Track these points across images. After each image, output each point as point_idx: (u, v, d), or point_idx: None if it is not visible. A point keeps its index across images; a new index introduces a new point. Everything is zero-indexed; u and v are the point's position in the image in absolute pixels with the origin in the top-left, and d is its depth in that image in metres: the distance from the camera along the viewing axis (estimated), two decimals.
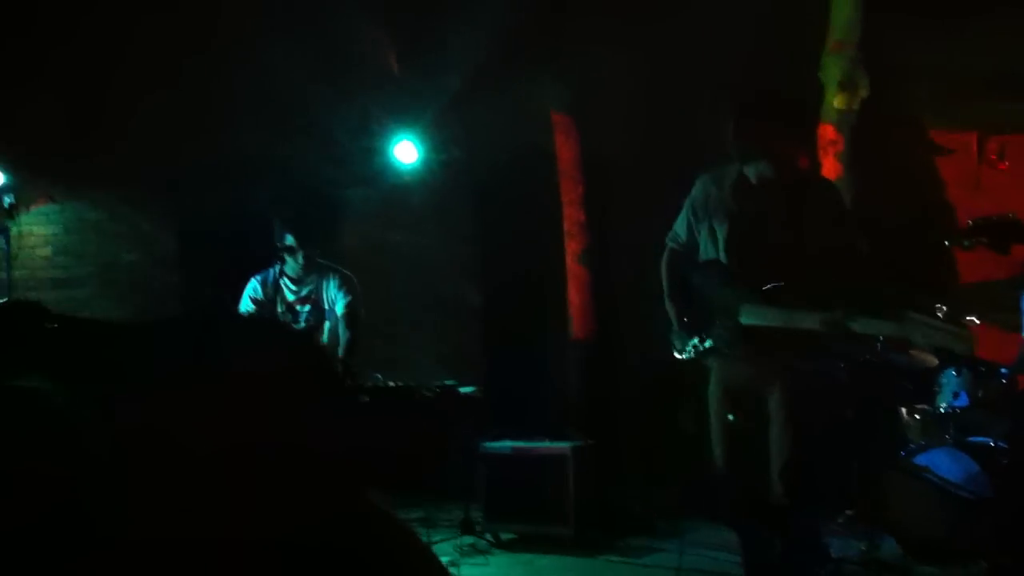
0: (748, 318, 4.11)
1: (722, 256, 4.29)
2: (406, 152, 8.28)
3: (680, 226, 4.57)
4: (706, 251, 4.39)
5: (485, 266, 8.78)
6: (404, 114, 8.36)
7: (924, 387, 5.65)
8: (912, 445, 5.44)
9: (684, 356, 4.42)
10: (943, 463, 5.13)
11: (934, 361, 5.54)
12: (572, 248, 7.78)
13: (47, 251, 8.87)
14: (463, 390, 6.19)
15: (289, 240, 6.09)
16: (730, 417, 4.32)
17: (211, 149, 8.45)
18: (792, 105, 4.39)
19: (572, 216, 7.75)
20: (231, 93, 8.41)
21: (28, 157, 8.35)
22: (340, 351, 6.09)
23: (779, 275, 4.11)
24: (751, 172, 4.30)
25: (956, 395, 5.44)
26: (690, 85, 8.00)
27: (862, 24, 6.88)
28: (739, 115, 4.27)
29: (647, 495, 7.16)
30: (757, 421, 4.25)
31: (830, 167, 6.96)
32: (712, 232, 4.36)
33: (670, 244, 4.62)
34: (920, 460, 5.24)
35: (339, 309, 6.18)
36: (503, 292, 8.55)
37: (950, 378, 5.50)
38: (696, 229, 4.46)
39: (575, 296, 7.76)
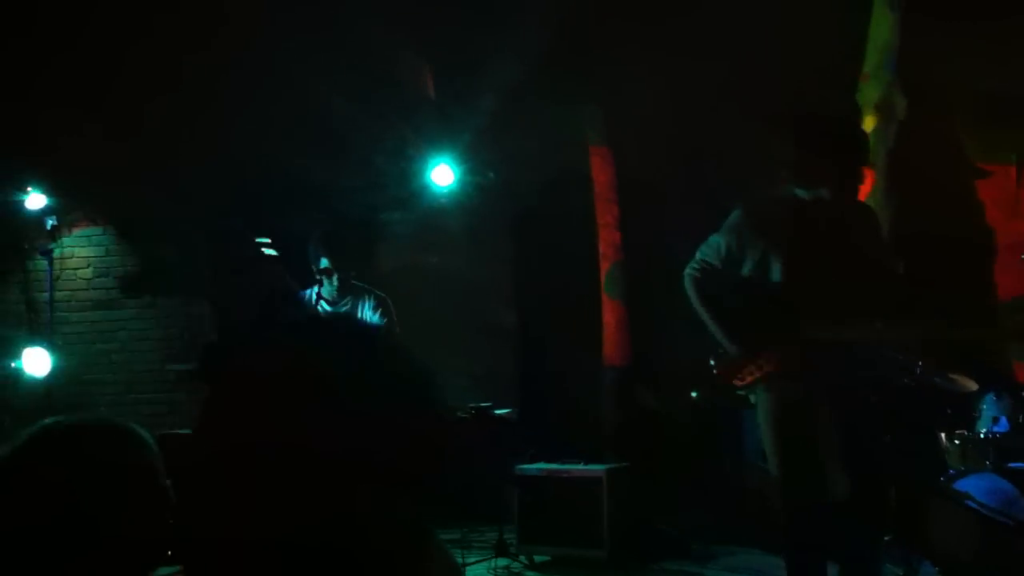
0: (811, 337, 4.13)
1: (779, 279, 4.29)
2: (443, 175, 8.34)
3: (710, 251, 4.56)
4: (755, 275, 4.39)
5: (520, 288, 8.80)
6: (440, 138, 8.42)
7: (964, 412, 5.60)
8: (952, 470, 5.39)
9: (738, 382, 4.42)
10: (983, 489, 5.08)
11: (974, 385, 5.49)
12: (607, 270, 7.78)
13: (88, 273, 8.98)
14: (498, 412, 6.20)
15: (324, 262, 6.12)
16: (787, 440, 4.31)
17: (250, 173, 8.55)
18: (855, 134, 4.47)
19: (607, 239, 7.75)
20: (271, 117, 8.51)
21: (71, 180, 8.48)
22: None
23: (839, 296, 4.15)
24: (808, 197, 4.31)
25: (996, 420, 5.39)
26: (727, 110, 8.02)
27: (900, 48, 6.86)
28: (802, 143, 4.30)
29: (682, 518, 7.14)
30: (814, 444, 4.25)
31: (866, 190, 6.93)
32: (764, 257, 4.35)
33: (696, 269, 4.60)
34: (960, 485, 5.19)
35: None
36: (538, 314, 8.57)
37: (990, 403, 5.45)
38: (739, 254, 4.45)
39: (610, 318, 7.76)
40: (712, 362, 4.53)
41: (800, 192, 4.33)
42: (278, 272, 6.62)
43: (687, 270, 4.63)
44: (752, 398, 4.50)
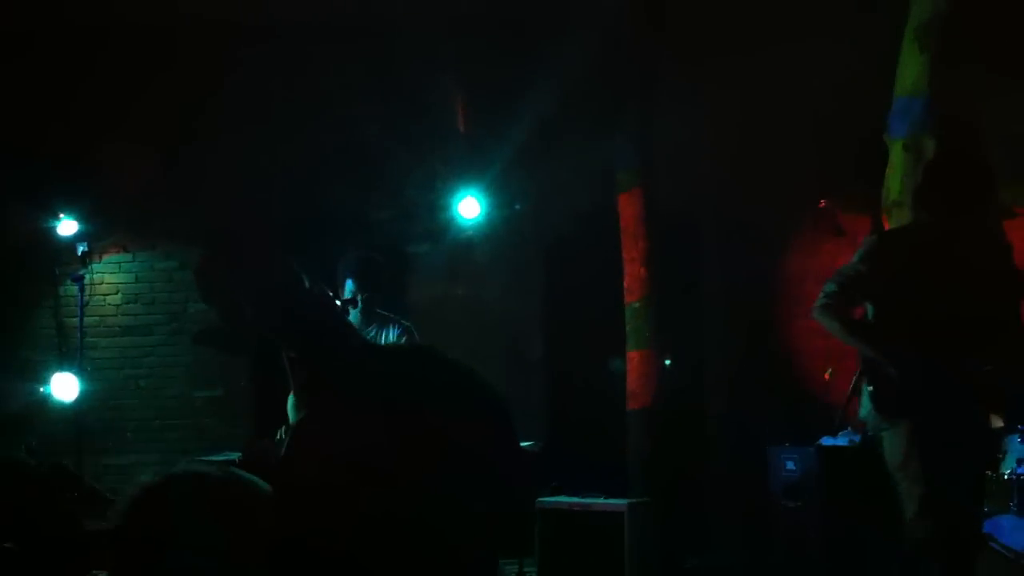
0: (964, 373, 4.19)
1: (926, 311, 4.36)
2: (469, 208, 8.39)
3: (842, 280, 4.64)
4: (888, 304, 4.49)
5: (547, 321, 8.82)
6: (469, 169, 8.47)
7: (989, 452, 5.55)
8: None
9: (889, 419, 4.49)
10: (1007, 530, 5.03)
11: (1000, 422, 5.44)
12: (631, 305, 7.77)
13: (117, 299, 9.06)
14: (521, 444, 6.18)
15: (349, 284, 6.12)
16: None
17: (279, 202, 8.62)
18: (983, 166, 4.73)
19: (633, 272, 7.74)
20: (299, 147, 8.60)
21: (102, 206, 8.58)
22: None
23: (965, 325, 4.34)
24: (940, 230, 4.49)
25: (1021, 461, 5.34)
26: (758, 145, 8.04)
27: (930, 85, 6.84)
28: (933, 174, 4.63)
29: (708, 555, 7.10)
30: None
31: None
32: (905, 289, 4.44)
33: (827, 300, 4.65)
34: (984, 527, 5.14)
35: None
36: (564, 347, 8.57)
37: (1015, 444, 5.40)
38: (873, 281, 4.53)
39: (635, 352, 7.74)
40: (869, 387, 4.55)
41: (937, 226, 4.52)
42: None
43: (818, 303, 4.68)
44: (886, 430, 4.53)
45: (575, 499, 6.36)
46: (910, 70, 6.90)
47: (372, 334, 6.23)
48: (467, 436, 1.07)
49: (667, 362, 7.53)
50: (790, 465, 6.40)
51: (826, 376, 7.02)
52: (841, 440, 6.36)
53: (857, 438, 6.26)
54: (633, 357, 7.73)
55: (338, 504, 1.01)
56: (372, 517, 0.99)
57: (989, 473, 5.50)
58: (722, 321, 8.53)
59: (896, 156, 6.92)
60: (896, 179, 6.92)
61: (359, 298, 6.08)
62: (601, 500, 6.28)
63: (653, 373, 7.67)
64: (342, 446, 1.03)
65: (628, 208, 7.82)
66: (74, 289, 8.15)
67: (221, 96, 8.48)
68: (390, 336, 6.24)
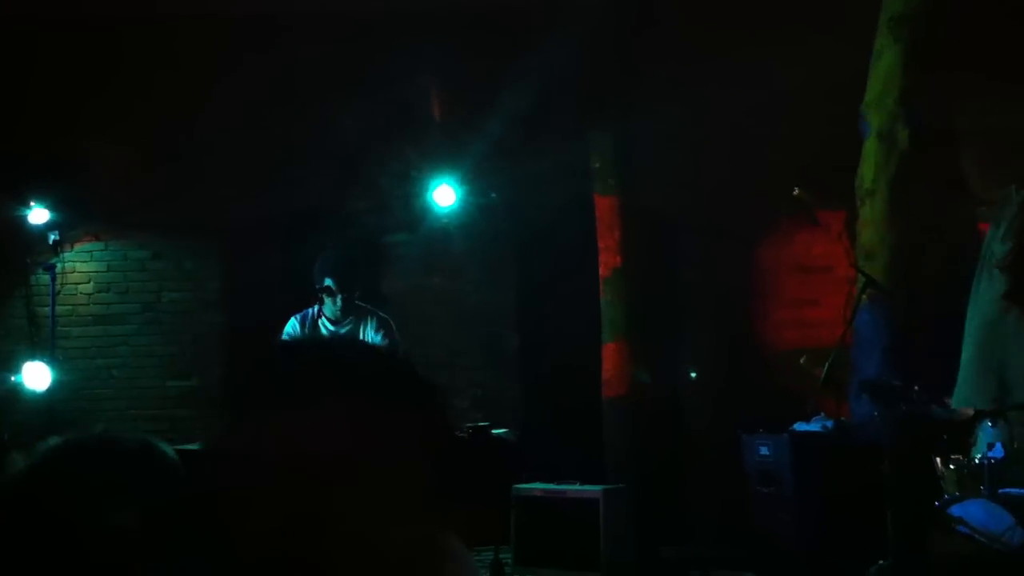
0: None
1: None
2: (444, 196, 8.39)
3: None
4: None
5: (523, 311, 8.82)
6: (445, 160, 8.47)
7: (959, 438, 5.60)
8: (947, 496, 5.38)
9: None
10: (977, 515, 5.07)
11: (970, 412, 5.49)
12: (608, 293, 7.79)
13: (89, 288, 8.99)
14: (496, 432, 6.21)
15: (328, 282, 6.12)
16: None
17: (255, 194, 8.59)
18: None
19: (608, 262, 7.77)
20: (275, 138, 8.57)
21: (74, 194, 8.52)
22: None
23: None
24: None
25: (991, 446, 5.38)
26: (733, 138, 8.07)
27: (903, 78, 6.90)
28: None
29: (680, 542, 7.13)
30: None
31: (867, 217, 6.96)
32: None
33: None
34: (954, 511, 5.18)
35: None
36: (541, 336, 8.59)
37: (985, 429, 5.44)
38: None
39: (611, 342, 7.76)
40: None
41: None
42: None
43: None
44: None
45: (551, 486, 6.37)
46: (884, 61, 6.96)
47: (350, 326, 6.23)
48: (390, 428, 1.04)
49: (692, 374, 7.54)
50: (764, 451, 6.43)
51: (800, 363, 7.06)
52: (814, 426, 6.39)
53: (830, 424, 6.31)
54: (609, 347, 7.75)
55: (263, 501, 0.99)
56: (298, 515, 0.97)
57: (960, 458, 5.56)
58: (698, 311, 8.56)
59: (870, 146, 6.97)
60: (870, 168, 6.97)
61: (338, 297, 6.08)
62: (576, 487, 6.29)
63: (628, 363, 7.70)
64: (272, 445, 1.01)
65: (604, 199, 7.85)
66: (46, 278, 8.07)
67: (197, 88, 8.45)
68: (368, 328, 6.24)
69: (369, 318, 6.27)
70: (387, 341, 6.23)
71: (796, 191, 7.13)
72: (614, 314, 7.74)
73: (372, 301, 6.51)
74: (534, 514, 6.28)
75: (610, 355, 7.73)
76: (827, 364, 6.26)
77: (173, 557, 1.16)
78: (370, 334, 6.24)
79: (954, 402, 4.97)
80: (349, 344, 1.24)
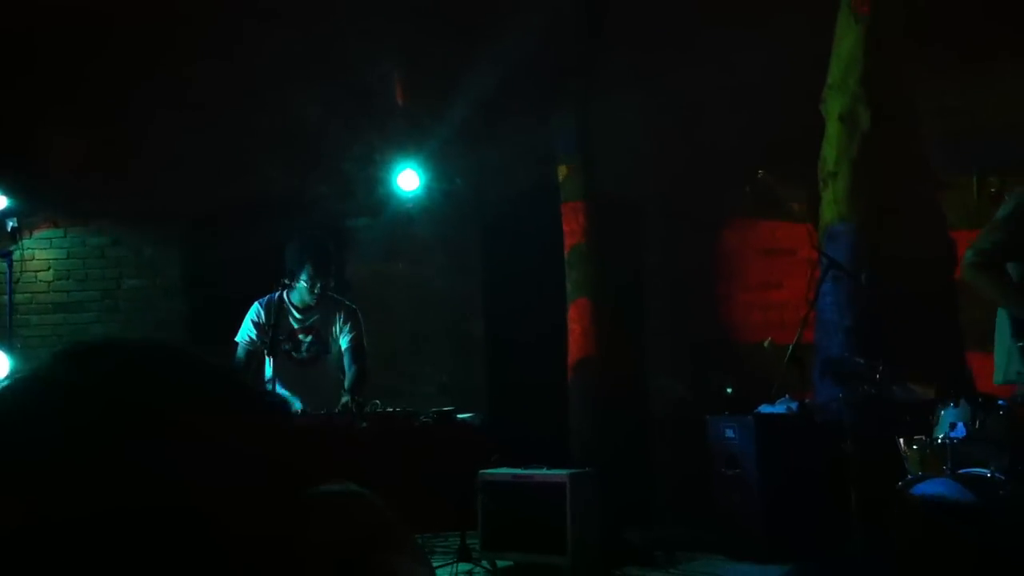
0: None
1: None
2: (408, 180, 8.35)
3: (996, 241, 4.59)
4: None
5: (488, 296, 8.82)
6: (408, 144, 8.43)
7: (922, 418, 5.65)
8: (910, 476, 5.42)
9: None
10: (940, 494, 5.11)
11: (932, 393, 5.53)
12: (573, 277, 7.79)
13: (49, 275, 8.90)
14: (461, 416, 6.19)
15: (309, 269, 6.04)
16: None
17: (216, 179, 8.52)
18: None
19: (573, 246, 7.77)
20: (235, 123, 8.49)
21: (32, 182, 8.41)
22: (347, 384, 6.09)
23: None
24: None
25: (953, 426, 5.42)
26: (696, 123, 8.09)
27: (865, 60, 6.92)
28: None
29: (646, 526, 7.15)
30: None
31: (830, 199, 6.99)
32: None
33: (982, 257, 4.62)
34: (917, 490, 5.22)
35: (344, 343, 6.18)
36: (506, 322, 8.58)
37: (948, 409, 5.49)
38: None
39: (576, 326, 7.76)
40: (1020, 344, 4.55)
41: None
42: None
43: (969, 261, 4.63)
44: None
45: (517, 470, 6.36)
46: (846, 41, 6.98)
47: (317, 316, 6.19)
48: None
49: (728, 389, 7.53)
50: (729, 434, 6.46)
51: (764, 346, 7.09)
52: (779, 408, 6.43)
53: (795, 405, 6.35)
54: (575, 330, 7.75)
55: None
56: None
57: (923, 438, 5.61)
58: (663, 296, 8.58)
59: (832, 128, 7.00)
60: (832, 150, 7.01)
61: (318, 285, 6.02)
62: (543, 471, 6.28)
63: (594, 347, 7.70)
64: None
65: (568, 184, 7.84)
66: (3, 265, 7.97)
67: (156, 74, 8.36)
68: (337, 319, 6.20)
69: (338, 308, 6.23)
70: (355, 333, 6.20)
71: (760, 174, 7.16)
72: (580, 299, 7.74)
73: (337, 289, 6.47)
74: (501, 499, 6.27)
75: (576, 339, 7.73)
76: (791, 346, 6.30)
77: None
78: (338, 325, 6.21)
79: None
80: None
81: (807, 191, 7.57)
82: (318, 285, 6.04)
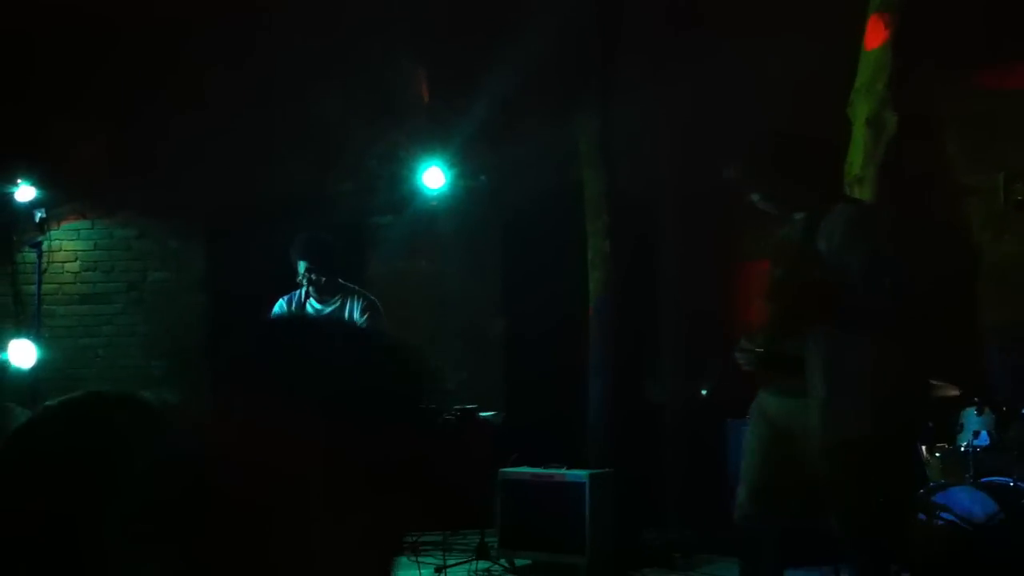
0: None
1: None
2: (433, 178, 8.36)
3: None
4: None
5: (509, 294, 8.82)
6: (433, 141, 8.44)
7: (945, 425, 5.63)
8: (931, 483, 5.41)
9: None
10: (961, 502, 5.10)
11: (956, 391, 5.49)
12: (596, 277, 7.78)
13: (76, 266, 8.97)
14: (483, 415, 6.21)
15: (301, 265, 6.11)
16: None
17: (240, 175, 8.56)
18: None
19: (596, 246, 7.75)
20: (262, 120, 8.53)
21: (61, 173, 8.48)
22: None
23: None
24: None
25: (977, 434, 5.41)
26: (718, 123, 8.06)
27: (892, 63, 6.89)
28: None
29: (665, 527, 7.15)
30: None
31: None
32: None
33: None
34: (938, 499, 5.21)
35: None
36: (527, 320, 8.58)
37: (971, 417, 5.47)
38: None
39: (596, 326, 7.75)
40: None
41: None
42: None
43: None
44: None
45: (537, 470, 6.38)
46: (873, 44, 6.95)
47: (335, 306, 6.21)
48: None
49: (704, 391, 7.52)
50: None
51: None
52: None
53: None
54: (595, 330, 7.74)
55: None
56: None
57: (945, 445, 5.59)
58: (679, 293, 8.55)
59: (858, 131, 6.97)
60: (858, 154, 6.97)
61: (312, 278, 6.06)
62: (563, 471, 6.30)
63: (613, 348, 7.69)
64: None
65: (592, 182, 7.83)
66: (32, 256, 8.03)
67: (183, 69, 8.40)
68: (355, 309, 6.23)
69: (355, 299, 6.26)
70: (371, 324, 6.21)
71: None
72: (601, 275, 7.68)
73: (357, 282, 6.50)
74: (520, 497, 6.30)
75: (599, 336, 7.71)
76: None
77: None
78: (356, 314, 6.23)
79: None
80: (337, 329, 1.15)
81: None
82: (313, 278, 6.08)
